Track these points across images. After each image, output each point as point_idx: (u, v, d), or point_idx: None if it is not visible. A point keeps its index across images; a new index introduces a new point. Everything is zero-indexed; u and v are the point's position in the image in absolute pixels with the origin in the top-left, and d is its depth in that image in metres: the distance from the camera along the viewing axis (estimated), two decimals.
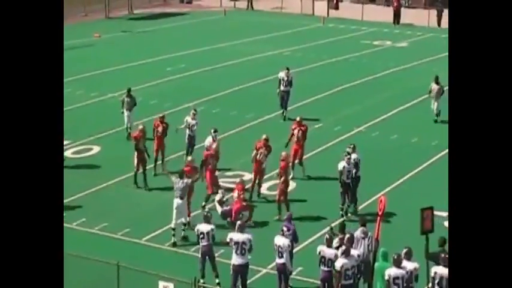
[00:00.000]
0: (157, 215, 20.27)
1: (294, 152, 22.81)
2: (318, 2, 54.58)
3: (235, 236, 15.76)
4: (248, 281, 16.13)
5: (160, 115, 23.69)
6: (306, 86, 32.19)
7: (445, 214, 19.52)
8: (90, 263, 15.76)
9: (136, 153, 21.93)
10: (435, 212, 16.12)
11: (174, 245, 18.62)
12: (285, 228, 16.13)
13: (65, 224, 16.37)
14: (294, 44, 43.52)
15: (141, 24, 50.46)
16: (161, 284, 14.85)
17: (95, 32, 44.31)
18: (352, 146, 20.98)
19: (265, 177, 21.71)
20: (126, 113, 25.85)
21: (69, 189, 19.95)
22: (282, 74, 28.61)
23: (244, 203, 19.79)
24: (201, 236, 16.30)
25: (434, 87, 28.41)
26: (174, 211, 18.71)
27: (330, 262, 15.04)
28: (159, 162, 22.96)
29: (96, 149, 25.41)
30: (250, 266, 16.15)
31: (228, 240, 15.86)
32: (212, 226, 16.45)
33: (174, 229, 18.66)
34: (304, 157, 23.29)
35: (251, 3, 56.74)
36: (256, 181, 21.45)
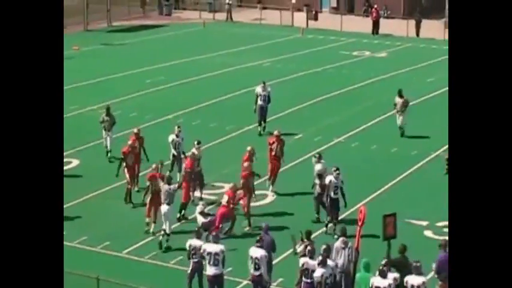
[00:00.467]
0: (137, 227, 20.25)
1: (272, 166, 22.72)
2: (297, 13, 54.85)
3: (209, 246, 15.78)
4: None
5: (135, 130, 23.33)
6: (286, 97, 32.32)
7: (425, 223, 19.76)
8: (69, 277, 15.67)
9: (126, 169, 21.69)
10: (416, 221, 16.33)
11: (168, 248, 18.76)
12: (258, 238, 16.17)
13: None
14: (274, 55, 43.66)
15: (120, 36, 50.42)
16: None
17: (73, 44, 44.21)
18: (318, 155, 21.04)
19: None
20: (104, 134, 25.28)
21: None
22: (258, 89, 28.20)
23: (230, 209, 19.68)
24: (193, 251, 16.22)
25: (398, 100, 27.91)
26: (163, 217, 18.88)
27: (313, 274, 15.11)
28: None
29: (75, 162, 25.33)
30: (230, 278, 16.17)
31: (201, 251, 15.86)
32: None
33: (168, 234, 18.86)
34: (285, 167, 23.30)
35: (230, 15, 56.86)
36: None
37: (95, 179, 23.64)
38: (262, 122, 28.32)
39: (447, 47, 41.23)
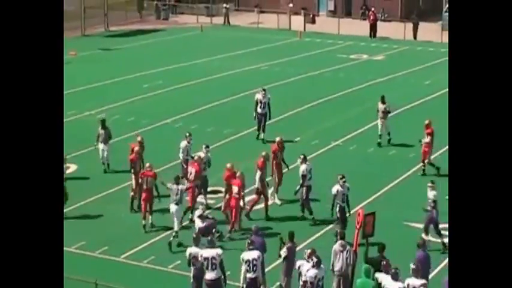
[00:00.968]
0: (135, 232, 20.27)
1: (278, 176, 22.65)
2: (295, 16, 54.91)
3: (205, 252, 15.80)
4: None
5: (139, 138, 23.11)
6: (283, 101, 32.29)
7: (421, 226, 19.78)
8: (68, 282, 15.67)
9: (134, 177, 21.51)
10: (414, 224, 16.33)
11: (180, 245, 18.99)
12: (249, 241, 16.22)
13: None
14: (271, 59, 43.71)
15: (118, 41, 50.45)
16: None
17: (71, 49, 44.22)
18: (302, 156, 21.14)
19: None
20: (100, 146, 24.90)
21: None
22: (258, 96, 27.82)
23: (241, 201, 20.00)
24: (193, 260, 16.15)
25: (381, 106, 27.47)
26: (172, 216, 19.33)
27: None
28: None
29: (73, 167, 25.31)
30: (228, 282, 16.19)
31: (199, 256, 15.87)
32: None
33: (177, 232, 19.17)
34: (284, 171, 23.28)
35: (228, 19, 56.89)
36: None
37: (92, 184, 23.65)
38: (261, 131, 28.04)
39: (444, 49, 41.65)
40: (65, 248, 19.08)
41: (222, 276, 15.86)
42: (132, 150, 22.27)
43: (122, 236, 20.33)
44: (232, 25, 56.72)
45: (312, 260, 15.10)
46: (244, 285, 16.06)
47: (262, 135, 28.13)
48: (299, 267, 15.41)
